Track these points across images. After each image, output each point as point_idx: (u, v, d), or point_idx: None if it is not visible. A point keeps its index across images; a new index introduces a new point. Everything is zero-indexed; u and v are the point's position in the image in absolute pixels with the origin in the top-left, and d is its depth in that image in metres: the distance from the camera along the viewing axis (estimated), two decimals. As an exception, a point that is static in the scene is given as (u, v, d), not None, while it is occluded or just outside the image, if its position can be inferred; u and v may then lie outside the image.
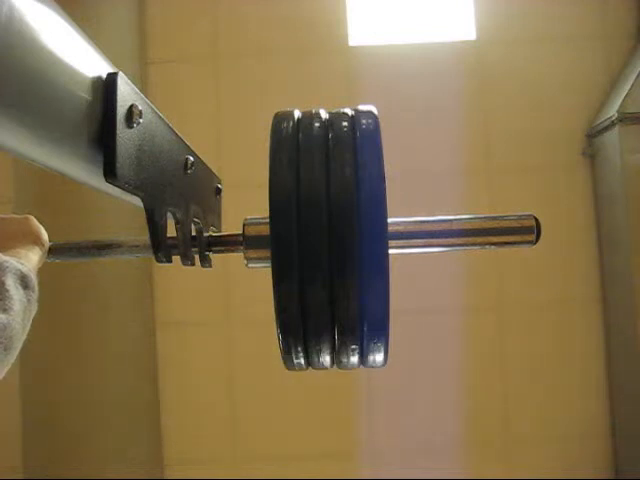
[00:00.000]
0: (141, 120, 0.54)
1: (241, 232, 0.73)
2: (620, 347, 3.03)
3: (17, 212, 0.77)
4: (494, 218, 0.80)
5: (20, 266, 0.64)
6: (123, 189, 0.53)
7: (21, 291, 0.62)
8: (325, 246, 0.61)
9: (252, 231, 0.72)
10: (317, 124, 0.68)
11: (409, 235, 0.76)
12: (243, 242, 0.72)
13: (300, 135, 0.66)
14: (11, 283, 0.61)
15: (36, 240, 0.78)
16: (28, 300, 0.63)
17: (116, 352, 2.75)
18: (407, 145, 3.02)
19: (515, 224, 0.79)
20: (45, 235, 0.81)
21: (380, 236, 0.62)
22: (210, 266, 0.80)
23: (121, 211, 2.48)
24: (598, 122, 3.03)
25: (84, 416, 2.67)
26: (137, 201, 0.60)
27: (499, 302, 3.15)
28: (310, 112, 0.71)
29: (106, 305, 2.74)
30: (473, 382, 3.05)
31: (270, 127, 0.67)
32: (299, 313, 0.63)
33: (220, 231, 0.96)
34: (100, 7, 2.75)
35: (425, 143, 3.12)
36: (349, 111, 0.71)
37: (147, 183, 0.58)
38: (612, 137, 2.91)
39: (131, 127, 0.53)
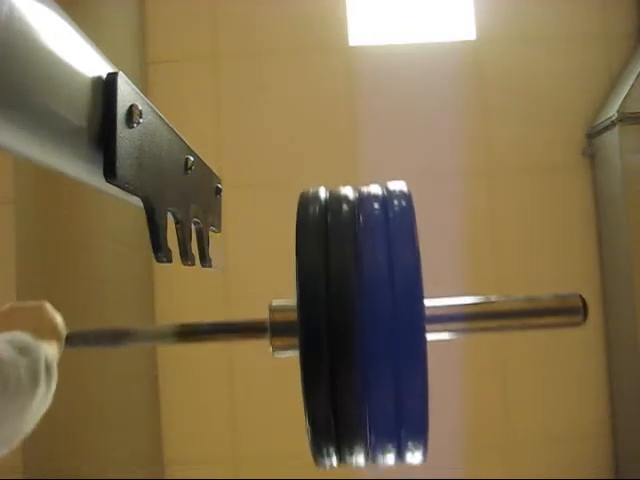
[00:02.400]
0: (141, 120, 0.54)
1: (267, 318, 0.70)
2: (620, 347, 3.03)
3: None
4: (535, 299, 0.74)
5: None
6: (123, 189, 0.53)
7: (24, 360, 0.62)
8: (358, 338, 0.57)
9: (279, 317, 0.69)
10: (345, 206, 0.65)
11: (445, 318, 0.72)
12: (269, 329, 0.69)
13: (328, 218, 0.64)
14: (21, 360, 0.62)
15: (53, 333, 0.75)
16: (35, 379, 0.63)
17: (116, 352, 2.75)
18: (407, 145, 3.02)
19: (559, 304, 0.73)
20: (61, 325, 0.78)
21: (417, 329, 0.59)
22: (210, 266, 0.80)
23: (122, 211, 2.49)
24: (598, 122, 3.03)
25: (84, 416, 2.67)
26: (137, 201, 0.60)
27: (499, 302, 3.15)
28: (338, 193, 0.67)
29: (106, 305, 2.74)
30: (473, 382, 3.05)
31: (296, 208, 0.64)
32: (330, 411, 0.58)
33: (220, 231, 0.95)
34: (100, 7, 2.75)
35: (425, 143, 3.12)
36: (379, 190, 0.67)
37: (147, 183, 0.58)
38: (612, 137, 2.91)
39: (131, 127, 0.53)
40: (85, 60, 0.49)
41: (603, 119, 2.98)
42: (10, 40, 0.36)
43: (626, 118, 2.83)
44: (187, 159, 0.75)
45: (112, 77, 0.51)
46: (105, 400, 2.70)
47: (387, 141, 3.13)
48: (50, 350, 0.71)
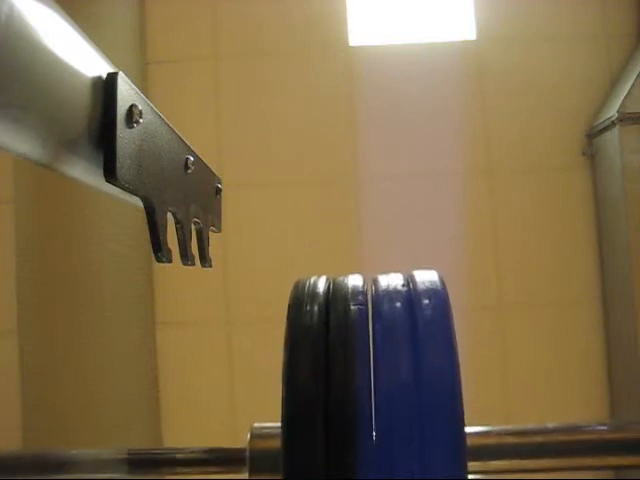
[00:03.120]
0: (141, 120, 0.54)
1: (246, 446, 0.53)
2: (620, 347, 3.03)
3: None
4: (617, 427, 0.55)
5: None
6: (123, 189, 0.53)
7: None
8: None
9: (260, 445, 0.53)
10: (354, 306, 0.47)
11: (488, 453, 0.54)
12: (248, 462, 0.55)
13: (331, 323, 0.47)
14: None
15: None
16: None
17: (116, 352, 2.75)
18: (407, 145, 3.02)
19: None
20: None
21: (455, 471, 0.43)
22: (210, 266, 0.80)
23: (122, 211, 2.49)
24: (598, 122, 3.03)
25: (84, 416, 2.67)
26: (137, 201, 0.60)
27: (499, 302, 3.15)
28: (344, 287, 0.50)
29: (106, 305, 2.74)
30: (473, 382, 3.04)
31: (287, 310, 0.50)
32: None
33: (220, 231, 0.95)
34: (100, 7, 2.75)
35: (425, 143, 3.12)
36: (402, 283, 0.49)
37: (147, 183, 0.58)
38: (612, 137, 2.91)
39: (131, 127, 0.53)
40: (85, 60, 0.49)
41: (603, 119, 2.98)
42: (10, 40, 0.36)
43: (626, 118, 2.83)
44: (187, 159, 0.75)
45: (112, 77, 0.51)
46: (105, 400, 2.70)
47: (387, 141, 3.13)
48: None
